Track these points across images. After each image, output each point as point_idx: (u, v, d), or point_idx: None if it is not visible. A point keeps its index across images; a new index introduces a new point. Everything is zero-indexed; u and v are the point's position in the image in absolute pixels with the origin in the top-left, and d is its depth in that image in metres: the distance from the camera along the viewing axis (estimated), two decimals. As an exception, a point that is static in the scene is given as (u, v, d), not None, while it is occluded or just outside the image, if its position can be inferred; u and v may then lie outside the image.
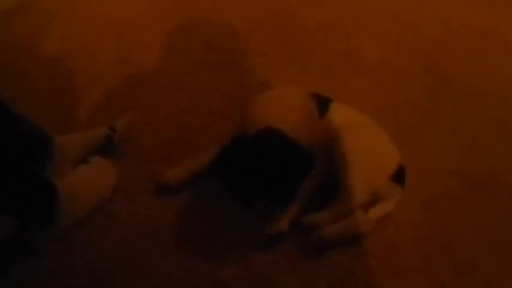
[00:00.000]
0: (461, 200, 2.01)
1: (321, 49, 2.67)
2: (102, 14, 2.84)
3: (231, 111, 2.27)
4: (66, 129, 2.10)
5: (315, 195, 1.87)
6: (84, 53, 2.57)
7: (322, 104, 1.96)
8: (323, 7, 3.01)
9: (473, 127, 2.33)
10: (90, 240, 1.81)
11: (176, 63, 2.54)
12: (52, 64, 2.52)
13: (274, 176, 1.66)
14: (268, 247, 1.78)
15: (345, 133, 1.85)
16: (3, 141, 1.65)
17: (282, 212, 1.76)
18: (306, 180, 1.78)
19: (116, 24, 2.76)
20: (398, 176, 1.88)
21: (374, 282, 1.72)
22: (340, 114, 1.94)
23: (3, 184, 1.62)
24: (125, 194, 1.94)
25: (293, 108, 1.88)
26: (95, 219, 1.86)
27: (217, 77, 2.47)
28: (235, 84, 2.43)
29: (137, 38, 2.67)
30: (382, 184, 1.84)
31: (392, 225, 1.87)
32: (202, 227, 1.84)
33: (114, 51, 2.58)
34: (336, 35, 2.77)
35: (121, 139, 2.07)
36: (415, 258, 1.80)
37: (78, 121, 2.22)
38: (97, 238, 1.82)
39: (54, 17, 2.79)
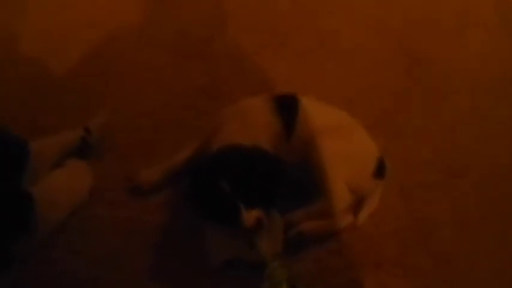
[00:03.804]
0: (438, 189, 2.00)
1: (294, 35, 2.66)
2: (73, 8, 2.80)
3: (205, 105, 2.26)
4: (41, 130, 2.10)
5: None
6: (56, 50, 2.54)
7: (290, 111, 1.90)
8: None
9: (450, 109, 2.32)
10: (71, 245, 1.81)
11: (149, 57, 2.52)
12: (24, 64, 2.49)
13: (250, 183, 1.63)
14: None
15: (320, 140, 1.82)
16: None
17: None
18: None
19: (87, 18, 2.73)
20: (379, 170, 1.87)
21: (352, 277, 1.74)
22: (311, 118, 1.89)
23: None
24: (102, 196, 1.94)
25: (258, 127, 1.84)
26: (74, 224, 1.86)
27: (191, 68, 2.45)
28: (209, 75, 2.42)
29: (109, 32, 2.64)
30: (365, 184, 1.85)
31: (369, 217, 1.87)
32: (181, 226, 1.85)
33: (86, 48, 2.55)
34: (309, 19, 2.75)
35: (96, 140, 2.05)
36: (393, 251, 1.81)
37: (52, 121, 2.20)
38: (77, 243, 1.82)
39: (26, 11, 2.75)
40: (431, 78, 2.47)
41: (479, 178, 2.06)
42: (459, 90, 2.42)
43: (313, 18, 2.77)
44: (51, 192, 1.84)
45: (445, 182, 2.03)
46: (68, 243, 1.81)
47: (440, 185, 2.02)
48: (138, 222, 1.87)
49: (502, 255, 1.82)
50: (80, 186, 1.93)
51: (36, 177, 1.85)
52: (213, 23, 2.73)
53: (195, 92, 2.33)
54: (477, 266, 1.79)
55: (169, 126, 2.17)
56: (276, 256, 1.64)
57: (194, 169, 1.82)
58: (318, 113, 1.91)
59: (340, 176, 1.80)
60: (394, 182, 1.97)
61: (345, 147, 1.83)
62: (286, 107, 1.90)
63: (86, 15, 2.77)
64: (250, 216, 1.60)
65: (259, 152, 1.73)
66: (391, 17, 2.81)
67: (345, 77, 2.45)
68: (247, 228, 1.61)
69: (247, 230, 1.62)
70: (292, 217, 1.79)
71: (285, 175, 1.76)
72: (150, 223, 1.87)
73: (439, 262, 1.79)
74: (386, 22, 2.78)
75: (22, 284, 1.72)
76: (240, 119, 1.87)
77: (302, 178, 1.86)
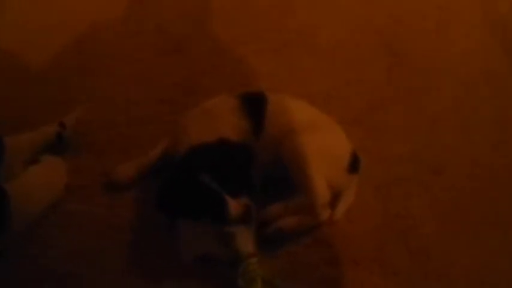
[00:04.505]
0: (417, 186, 1.99)
1: (273, 29, 2.66)
2: (53, 2, 2.80)
3: (183, 100, 2.24)
4: (17, 124, 2.08)
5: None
6: (35, 44, 2.53)
7: (257, 108, 1.88)
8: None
9: (430, 106, 2.32)
10: (48, 240, 1.80)
11: (127, 51, 2.51)
12: (1, 57, 2.47)
13: (228, 173, 1.65)
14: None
15: (295, 136, 1.81)
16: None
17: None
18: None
19: (67, 13, 2.72)
20: (353, 165, 1.87)
21: (330, 274, 1.73)
22: (282, 115, 1.88)
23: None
24: (78, 192, 1.92)
25: (224, 126, 1.83)
26: (50, 219, 1.84)
27: (168, 63, 2.45)
28: (187, 70, 2.41)
29: (88, 26, 2.63)
30: (340, 179, 1.84)
31: (347, 214, 1.86)
32: (158, 221, 1.81)
33: (65, 42, 2.54)
34: (288, 15, 2.76)
35: (72, 135, 2.04)
36: (371, 247, 1.80)
37: (28, 115, 2.18)
38: (55, 238, 1.81)
39: (5, 4, 2.74)
40: (412, 74, 2.47)
41: (458, 175, 2.05)
42: (440, 87, 2.42)
43: (293, 13, 2.77)
44: (26, 188, 1.82)
45: (424, 178, 2.02)
46: (45, 239, 1.80)
47: (419, 181, 2.01)
48: (115, 218, 1.86)
49: (480, 252, 1.82)
50: (55, 182, 1.91)
51: (10, 173, 1.83)
52: (192, 18, 2.73)
53: (173, 87, 2.32)
54: (456, 262, 1.79)
55: (146, 121, 2.16)
56: (250, 252, 1.64)
57: (164, 176, 1.80)
58: (289, 109, 1.90)
59: (320, 172, 1.79)
60: (373, 178, 1.97)
61: (319, 142, 1.82)
62: (253, 105, 1.89)
63: (66, 10, 2.76)
64: (237, 205, 1.61)
65: (226, 142, 1.74)
66: (372, 13, 2.81)
67: (324, 72, 2.45)
68: (236, 217, 1.61)
69: (235, 221, 1.62)
70: (269, 212, 1.78)
71: (255, 158, 1.79)
72: (126, 218, 1.86)
73: (417, 259, 1.78)
74: (367, 18, 2.78)
75: None
76: (206, 119, 1.88)
77: (274, 175, 1.86)
